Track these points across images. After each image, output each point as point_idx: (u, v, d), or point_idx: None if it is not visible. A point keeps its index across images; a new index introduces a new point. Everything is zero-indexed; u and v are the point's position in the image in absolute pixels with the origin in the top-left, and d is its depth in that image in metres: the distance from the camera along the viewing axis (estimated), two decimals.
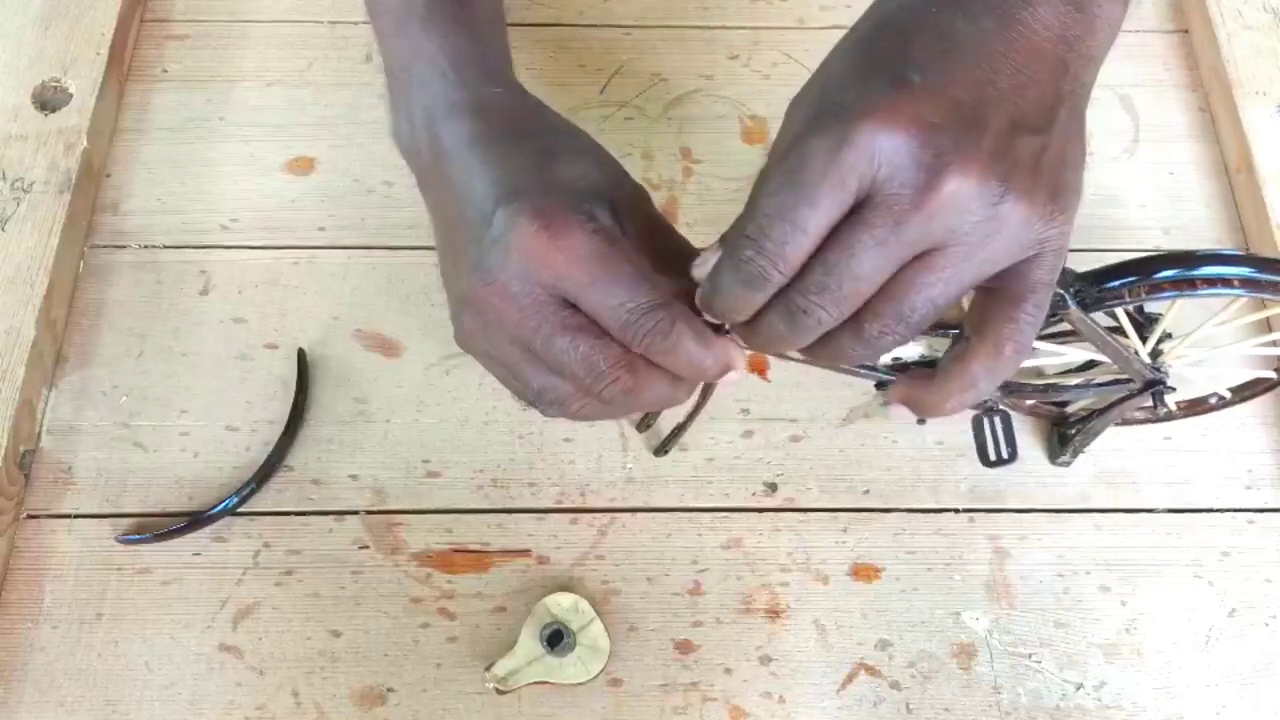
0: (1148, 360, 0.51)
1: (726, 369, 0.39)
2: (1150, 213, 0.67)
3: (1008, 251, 0.35)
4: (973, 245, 0.34)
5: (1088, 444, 0.57)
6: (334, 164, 0.68)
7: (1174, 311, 0.49)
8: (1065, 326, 0.47)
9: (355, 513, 0.58)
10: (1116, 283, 0.45)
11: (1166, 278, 0.44)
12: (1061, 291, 0.45)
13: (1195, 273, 0.44)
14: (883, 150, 0.33)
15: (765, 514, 0.58)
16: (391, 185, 0.67)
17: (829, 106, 0.34)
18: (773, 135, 0.54)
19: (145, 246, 0.65)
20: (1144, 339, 0.50)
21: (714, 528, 0.58)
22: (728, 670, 0.55)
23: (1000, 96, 0.34)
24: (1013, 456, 0.58)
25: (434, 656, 0.55)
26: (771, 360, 0.62)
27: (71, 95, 0.66)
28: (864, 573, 0.57)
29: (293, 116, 0.69)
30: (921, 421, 0.60)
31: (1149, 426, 0.60)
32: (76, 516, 0.57)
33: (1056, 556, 0.57)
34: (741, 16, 0.74)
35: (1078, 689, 0.54)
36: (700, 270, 0.38)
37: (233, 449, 0.59)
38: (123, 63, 0.70)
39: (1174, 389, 0.52)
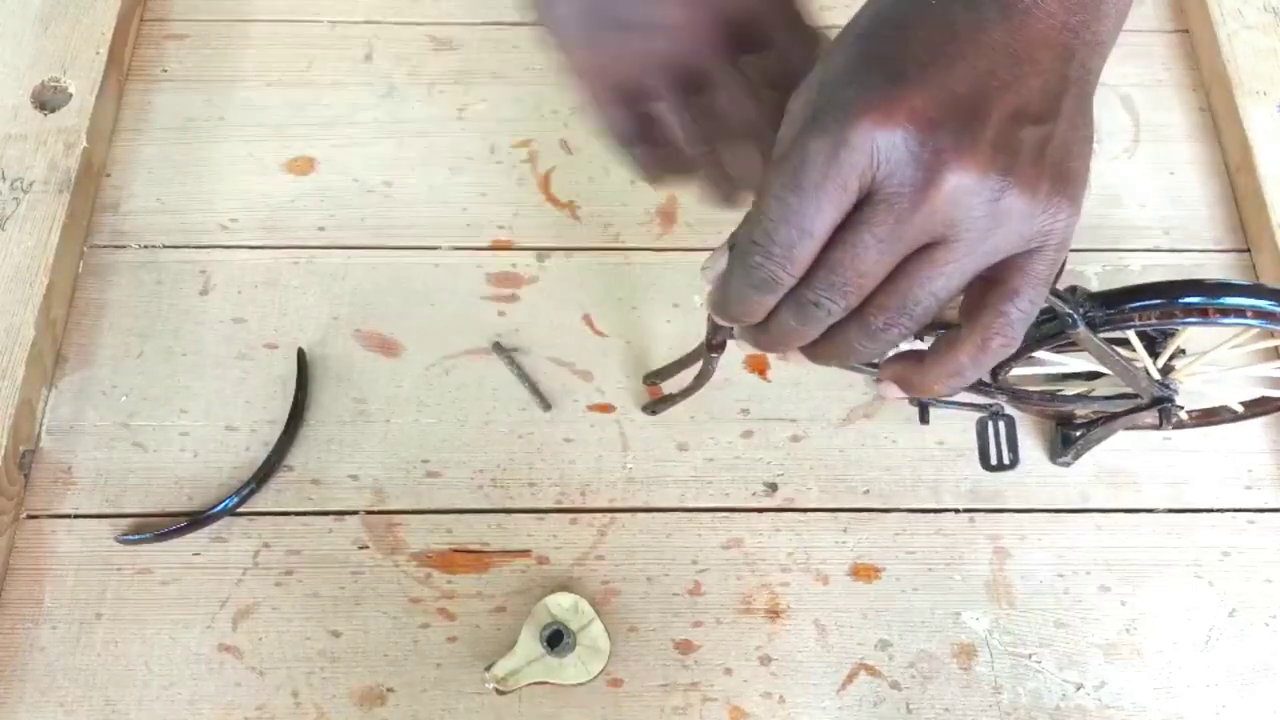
0: (1157, 377, 0.51)
1: None
2: (1150, 213, 0.67)
3: (1010, 243, 0.35)
4: (975, 239, 0.34)
5: (1092, 447, 0.57)
6: (334, 164, 0.68)
7: (1183, 337, 0.49)
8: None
9: (355, 513, 0.58)
10: (1128, 306, 0.45)
11: (1180, 305, 0.45)
12: (1071, 312, 0.45)
13: (1211, 303, 0.44)
14: (881, 149, 0.33)
15: (765, 514, 0.58)
16: (391, 185, 0.67)
17: (827, 104, 0.34)
18: None
19: (145, 246, 0.65)
20: (1155, 355, 0.50)
21: (714, 528, 0.58)
22: (728, 670, 0.55)
23: (1002, 87, 0.34)
24: (1014, 463, 0.58)
25: (434, 656, 0.55)
26: (771, 360, 0.62)
27: (71, 95, 0.66)
28: (864, 573, 0.57)
29: (293, 116, 0.69)
30: (925, 422, 0.60)
31: None
32: (76, 516, 0.57)
33: (1057, 556, 0.57)
34: None
35: (1078, 689, 0.54)
36: (709, 272, 0.38)
37: (232, 449, 0.59)
38: (122, 63, 0.70)
39: (1182, 407, 0.52)
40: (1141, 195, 0.67)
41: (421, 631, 0.55)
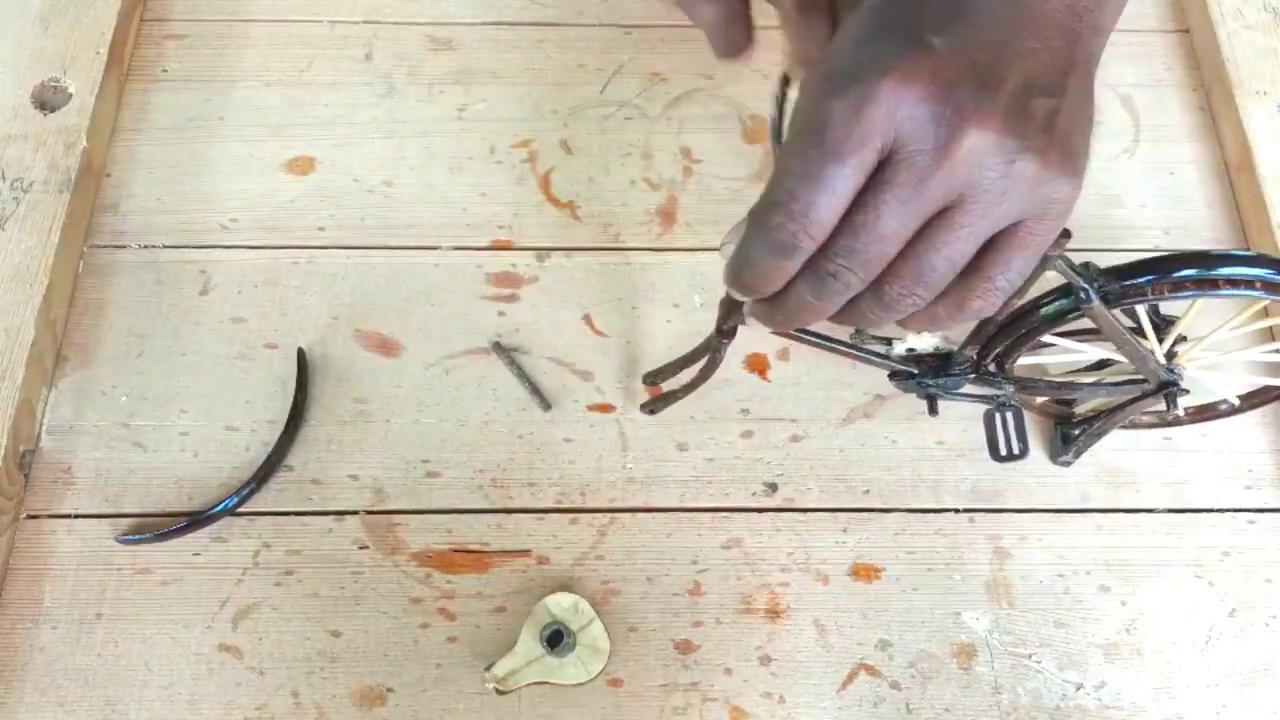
0: (1163, 361, 0.51)
1: None
2: (1150, 213, 0.67)
3: (1018, 209, 0.36)
4: (990, 201, 0.35)
5: (1091, 445, 0.57)
6: (334, 164, 0.68)
7: (1191, 314, 0.49)
8: (1085, 324, 0.47)
9: (355, 513, 0.58)
10: (1139, 279, 0.45)
11: (1189, 276, 0.45)
12: (1085, 285, 0.45)
13: (1217, 273, 0.45)
14: (904, 107, 0.33)
15: (765, 514, 0.58)
16: (391, 185, 0.67)
17: (848, 67, 0.35)
18: None
19: (145, 246, 0.65)
20: (1160, 340, 0.50)
21: (714, 528, 0.58)
22: (728, 670, 0.55)
23: (1016, 57, 0.35)
24: (1024, 452, 0.58)
25: (434, 656, 0.55)
26: (771, 360, 0.62)
27: (71, 95, 0.66)
28: (864, 573, 0.57)
29: (293, 116, 0.69)
30: (934, 413, 0.59)
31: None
32: (76, 516, 0.57)
33: (1057, 556, 0.57)
34: None
35: (1078, 689, 0.54)
36: (728, 248, 0.38)
37: (232, 449, 0.59)
38: (122, 62, 0.70)
39: (1188, 391, 0.52)
40: (1141, 195, 0.67)
41: (421, 631, 0.55)
